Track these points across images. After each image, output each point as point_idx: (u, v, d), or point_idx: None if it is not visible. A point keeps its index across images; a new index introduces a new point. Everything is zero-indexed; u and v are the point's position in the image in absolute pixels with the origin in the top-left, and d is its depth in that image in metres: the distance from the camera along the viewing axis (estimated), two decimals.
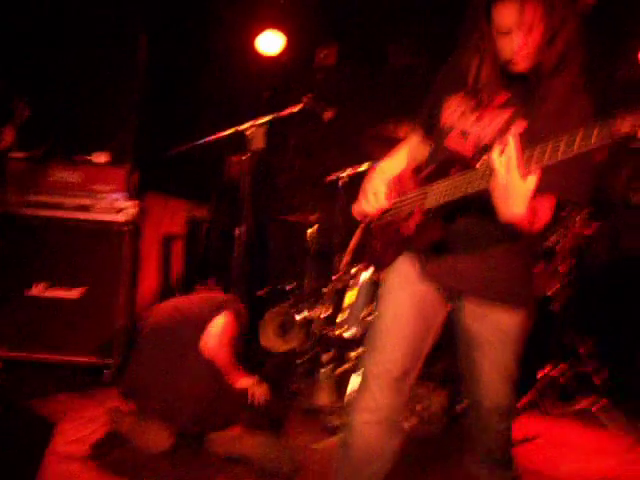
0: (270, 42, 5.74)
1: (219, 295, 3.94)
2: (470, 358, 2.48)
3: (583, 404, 4.40)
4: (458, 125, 2.39)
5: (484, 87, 2.34)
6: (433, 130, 2.53)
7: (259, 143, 4.24)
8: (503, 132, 2.26)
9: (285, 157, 6.04)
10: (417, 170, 2.52)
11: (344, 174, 4.76)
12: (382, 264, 2.59)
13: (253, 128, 4.19)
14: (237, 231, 4.28)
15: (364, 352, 2.54)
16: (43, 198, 4.52)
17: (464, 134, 2.36)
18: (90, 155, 4.72)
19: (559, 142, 1.88)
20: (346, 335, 4.31)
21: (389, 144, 4.65)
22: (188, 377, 3.52)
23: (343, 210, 4.76)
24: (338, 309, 4.40)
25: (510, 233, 2.17)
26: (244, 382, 3.74)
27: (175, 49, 5.70)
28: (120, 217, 4.52)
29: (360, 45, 5.83)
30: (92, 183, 4.57)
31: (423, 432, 3.83)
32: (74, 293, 4.44)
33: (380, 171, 2.61)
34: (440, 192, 2.28)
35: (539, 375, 4.48)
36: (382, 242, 2.56)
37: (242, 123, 4.24)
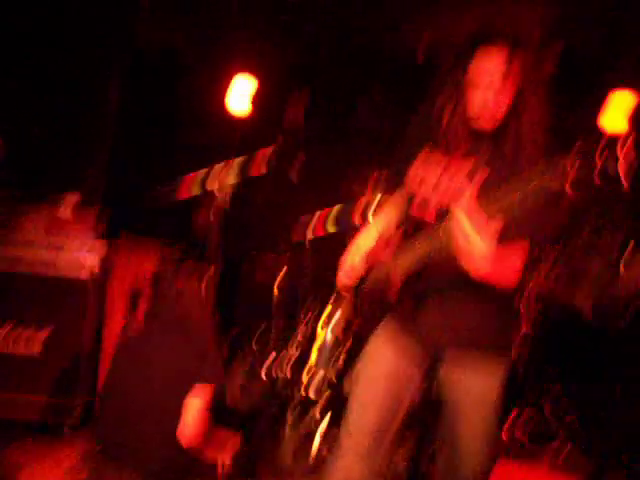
0: (239, 99, 5.72)
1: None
2: (450, 421, 2.47)
3: (550, 449, 4.42)
4: (419, 192, 2.39)
5: (449, 143, 2.35)
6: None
7: (225, 201, 4.25)
8: (459, 195, 2.22)
9: (251, 215, 6.04)
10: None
11: (310, 233, 4.78)
12: (369, 330, 2.54)
13: (219, 186, 4.20)
14: (211, 270, 4.30)
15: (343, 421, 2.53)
16: (8, 244, 4.46)
17: (424, 202, 2.37)
18: (60, 195, 4.69)
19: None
20: (310, 394, 4.32)
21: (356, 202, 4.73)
22: (154, 427, 3.48)
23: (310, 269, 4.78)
24: (303, 368, 4.41)
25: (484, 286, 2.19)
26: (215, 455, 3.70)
27: (147, 93, 5.70)
28: (91, 257, 4.47)
29: (329, 103, 5.85)
30: (61, 225, 4.52)
31: None
32: (36, 346, 4.37)
33: (369, 234, 2.59)
34: (407, 260, 2.32)
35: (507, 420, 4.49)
36: (369, 309, 2.54)
37: (208, 180, 4.25)
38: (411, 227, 2.42)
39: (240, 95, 5.51)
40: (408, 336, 2.44)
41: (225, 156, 4.37)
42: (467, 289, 2.27)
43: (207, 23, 5.35)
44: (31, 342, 4.39)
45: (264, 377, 4.47)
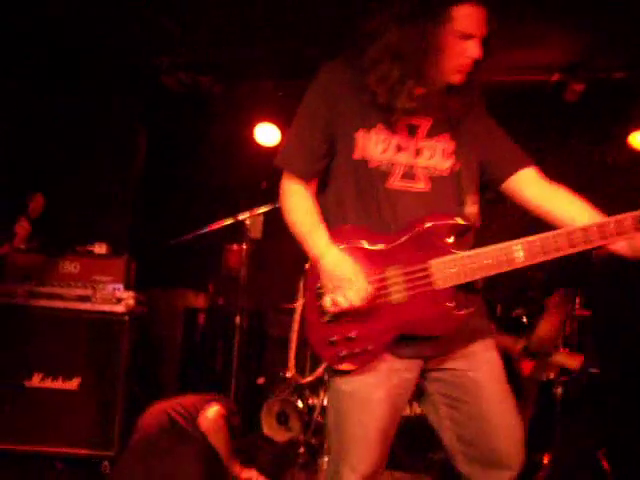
0: (268, 133, 5.88)
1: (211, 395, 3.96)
2: (467, 410, 2.25)
3: None
4: (396, 163, 2.18)
5: (407, 113, 2.14)
6: (340, 172, 2.25)
7: (257, 233, 4.30)
8: (450, 159, 2.23)
9: (283, 245, 6.09)
10: (365, 230, 2.19)
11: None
12: (364, 357, 2.15)
13: (251, 218, 4.26)
14: (238, 319, 4.30)
15: (335, 448, 2.30)
16: (43, 289, 4.55)
17: (409, 173, 2.19)
18: (90, 246, 4.76)
19: None
20: None
21: None
22: (187, 470, 3.48)
23: None
24: None
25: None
26: (245, 474, 3.70)
27: (173, 139, 5.83)
28: (120, 307, 4.53)
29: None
30: (92, 274, 4.61)
31: None
32: (73, 384, 4.42)
33: (332, 248, 2.16)
34: (449, 271, 2.10)
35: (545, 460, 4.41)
36: (368, 331, 2.14)
37: (239, 213, 4.31)
38: (411, 223, 2.15)
39: (267, 140, 5.68)
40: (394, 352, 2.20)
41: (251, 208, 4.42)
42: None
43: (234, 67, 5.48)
44: (69, 381, 4.44)
45: (300, 406, 4.43)
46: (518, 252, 2.10)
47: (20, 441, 4.35)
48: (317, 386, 4.59)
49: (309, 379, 4.25)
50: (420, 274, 2.13)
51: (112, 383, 4.47)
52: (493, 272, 2.12)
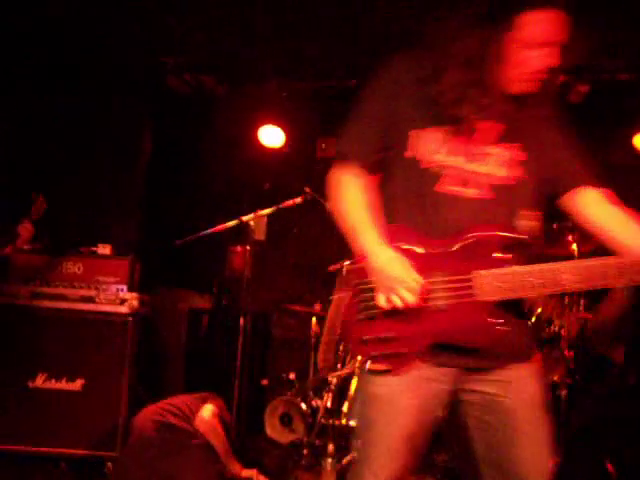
0: (271, 134, 5.88)
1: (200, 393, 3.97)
2: (493, 435, 2.19)
3: None
4: (448, 166, 2.12)
5: (472, 117, 2.09)
6: (393, 169, 2.20)
7: (260, 234, 4.31)
8: (509, 168, 2.14)
9: (287, 247, 6.10)
10: (414, 232, 2.14)
11: (347, 263, 4.78)
12: (403, 360, 2.12)
13: (255, 219, 4.26)
14: (242, 320, 4.30)
15: (359, 450, 2.26)
16: (47, 289, 4.55)
17: (461, 177, 2.12)
18: (94, 247, 4.76)
19: None
20: (352, 424, 4.27)
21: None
22: (188, 470, 3.47)
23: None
24: (344, 398, 4.36)
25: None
26: (246, 473, 3.70)
27: (178, 141, 5.83)
28: (124, 308, 4.53)
29: None
30: (95, 274, 4.61)
31: None
32: (77, 385, 4.42)
33: (382, 245, 2.09)
34: (492, 284, 2.04)
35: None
36: (408, 333, 2.11)
37: (243, 215, 4.31)
38: (461, 230, 2.08)
39: (271, 141, 5.68)
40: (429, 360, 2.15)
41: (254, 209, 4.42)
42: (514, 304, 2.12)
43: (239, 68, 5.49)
44: (73, 382, 4.44)
45: (304, 408, 4.43)
46: (566, 274, 2.01)
47: (24, 442, 4.34)
48: (321, 388, 4.59)
49: (339, 373, 4.22)
50: (462, 284, 2.07)
51: (116, 384, 4.46)
52: (537, 293, 2.05)
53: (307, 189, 4.38)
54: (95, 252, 4.74)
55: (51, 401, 4.39)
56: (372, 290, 2.11)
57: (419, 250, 2.12)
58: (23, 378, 4.40)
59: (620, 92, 5.27)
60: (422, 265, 2.08)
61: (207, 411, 3.75)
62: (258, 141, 5.95)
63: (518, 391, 2.16)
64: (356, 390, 4.14)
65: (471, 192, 2.11)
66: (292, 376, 5.37)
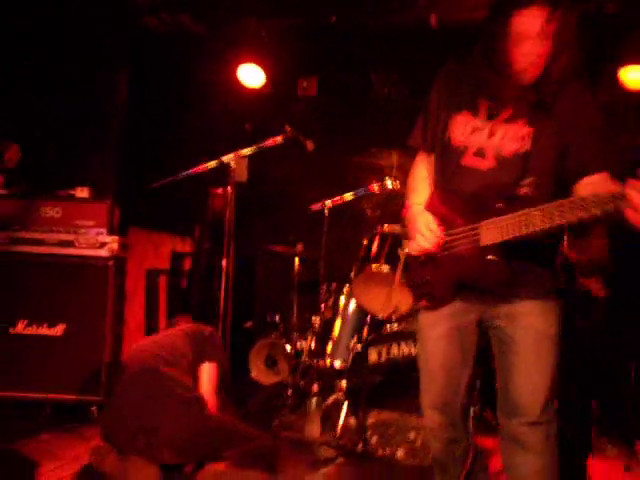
0: (251, 74, 5.76)
1: (198, 330, 3.92)
2: (502, 360, 2.62)
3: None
4: (471, 143, 2.56)
5: (490, 101, 2.54)
6: (438, 149, 2.68)
7: (242, 175, 4.22)
8: (519, 142, 2.49)
9: (268, 188, 6.03)
10: (443, 197, 2.63)
11: (329, 203, 4.75)
12: (436, 298, 2.64)
13: (235, 160, 4.17)
14: (223, 262, 4.25)
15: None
16: (25, 234, 4.48)
17: (480, 152, 2.54)
18: (72, 190, 4.68)
19: None
20: (336, 365, 4.29)
21: (371, 171, 4.72)
22: (171, 411, 3.45)
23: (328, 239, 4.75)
24: (327, 339, 4.37)
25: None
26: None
27: (156, 82, 5.70)
28: (103, 252, 4.47)
29: (341, 75, 5.88)
30: (74, 218, 4.53)
31: (414, 460, 3.79)
32: (58, 330, 4.39)
33: (418, 206, 2.69)
34: (493, 230, 2.42)
35: None
36: (437, 276, 2.61)
37: (224, 155, 4.22)
38: (474, 189, 2.52)
39: (251, 81, 5.58)
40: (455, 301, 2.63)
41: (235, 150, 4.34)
42: (528, 245, 2.44)
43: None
44: (54, 327, 4.40)
45: (288, 349, 4.43)
46: (537, 213, 2.32)
47: (7, 388, 4.31)
48: (305, 329, 4.59)
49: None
50: (472, 232, 2.49)
51: (98, 328, 4.43)
52: (523, 232, 2.34)
53: (288, 128, 4.29)
54: (73, 196, 4.65)
55: (33, 347, 4.35)
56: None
57: (446, 211, 2.60)
58: (4, 325, 4.35)
59: (607, 24, 5.18)
60: (447, 221, 2.57)
61: (208, 376, 3.72)
62: (238, 81, 5.83)
63: (523, 325, 2.55)
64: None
65: (487, 163, 2.53)
66: (276, 318, 5.37)
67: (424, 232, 2.55)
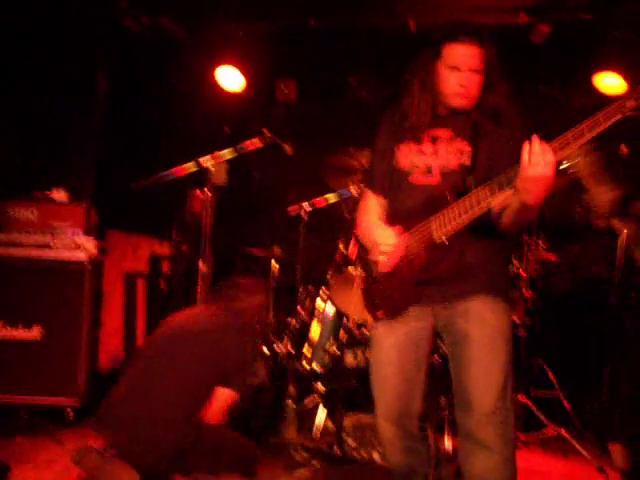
0: (230, 77, 5.76)
1: (246, 337, 3.72)
2: (457, 357, 2.65)
3: (549, 431, 4.38)
4: (419, 163, 2.71)
5: (425, 126, 2.71)
6: (387, 181, 2.82)
7: (221, 179, 4.23)
8: (460, 158, 2.65)
9: (247, 191, 6.04)
10: (393, 216, 2.75)
11: (307, 206, 4.76)
12: (396, 307, 2.69)
13: (214, 163, 4.17)
14: (201, 265, 4.25)
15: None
16: (1, 236, 4.45)
17: (428, 169, 2.69)
18: (48, 191, 4.65)
19: (577, 130, 2.22)
20: (313, 367, 4.30)
21: (349, 172, 4.73)
22: (168, 401, 3.40)
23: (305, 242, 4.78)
24: (304, 341, 4.38)
25: (491, 234, 2.58)
26: None
27: (135, 84, 5.69)
28: (80, 254, 4.45)
29: (319, 78, 5.89)
30: (51, 220, 4.51)
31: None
32: (34, 333, 4.36)
33: (372, 223, 2.79)
34: (444, 221, 2.53)
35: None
36: (397, 285, 2.67)
37: (203, 158, 4.22)
38: (422, 199, 2.66)
39: (229, 84, 5.57)
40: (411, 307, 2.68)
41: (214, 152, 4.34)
42: (475, 238, 2.57)
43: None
44: (30, 330, 4.38)
45: (266, 352, 4.43)
46: (483, 189, 2.46)
47: None
48: (282, 332, 4.60)
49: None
50: (424, 227, 2.59)
51: (75, 330, 4.42)
52: (469, 216, 2.47)
53: (266, 131, 4.30)
54: (50, 197, 4.63)
55: (9, 350, 4.34)
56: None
57: (400, 224, 2.68)
58: None
59: (581, 32, 5.24)
60: (401, 228, 2.65)
61: (223, 402, 3.50)
62: (217, 84, 5.83)
63: (478, 319, 2.60)
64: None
65: (433, 180, 2.68)
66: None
67: (383, 241, 2.64)
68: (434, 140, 2.71)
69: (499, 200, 2.42)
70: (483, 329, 2.60)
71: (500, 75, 2.67)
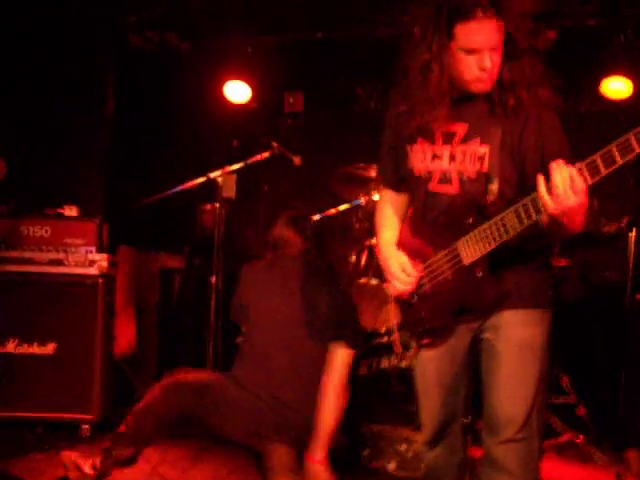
0: (237, 90, 5.80)
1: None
2: (485, 373, 2.53)
3: (565, 438, 4.36)
4: (434, 170, 2.52)
5: (439, 124, 2.45)
6: (404, 183, 2.69)
7: (230, 191, 4.25)
8: (478, 162, 2.43)
9: (257, 203, 6.06)
10: (414, 227, 2.63)
11: (316, 218, 4.77)
12: (437, 329, 2.56)
13: (223, 176, 4.20)
14: (213, 279, 4.26)
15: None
16: (14, 253, 4.48)
17: (445, 177, 2.50)
18: (60, 208, 4.69)
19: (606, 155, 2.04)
20: None
21: (359, 184, 4.75)
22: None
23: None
24: None
25: (530, 247, 2.41)
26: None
27: (143, 100, 5.73)
28: (93, 270, 4.48)
29: (327, 90, 5.92)
30: (63, 237, 4.54)
31: (406, 472, 3.80)
32: (48, 348, 4.38)
33: (388, 244, 2.68)
34: (473, 246, 2.37)
35: None
36: (429, 310, 2.55)
37: (212, 172, 4.25)
38: (443, 210, 2.49)
39: (237, 97, 5.60)
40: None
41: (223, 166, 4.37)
42: (512, 253, 2.39)
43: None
44: (45, 346, 4.40)
45: None
46: (510, 213, 2.29)
47: None
48: None
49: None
50: (452, 254, 2.44)
51: (89, 346, 4.43)
52: (501, 238, 2.30)
53: (274, 144, 4.32)
54: (62, 214, 4.66)
55: (24, 366, 4.35)
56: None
57: (419, 241, 2.57)
58: None
59: (588, 38, 5.24)
60: (421, 254, 2.54)
61: (342, 363, 3.56)
62: (224, 97, 5.87)
63: (507, 335, 2.45)
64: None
65: (452, 188, 2.48)
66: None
67: (399, 276, 2.55)
68: (449, 139, 2.48)
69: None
70: (512, 345, 2.45)
71: (524, 38, 2.36)
